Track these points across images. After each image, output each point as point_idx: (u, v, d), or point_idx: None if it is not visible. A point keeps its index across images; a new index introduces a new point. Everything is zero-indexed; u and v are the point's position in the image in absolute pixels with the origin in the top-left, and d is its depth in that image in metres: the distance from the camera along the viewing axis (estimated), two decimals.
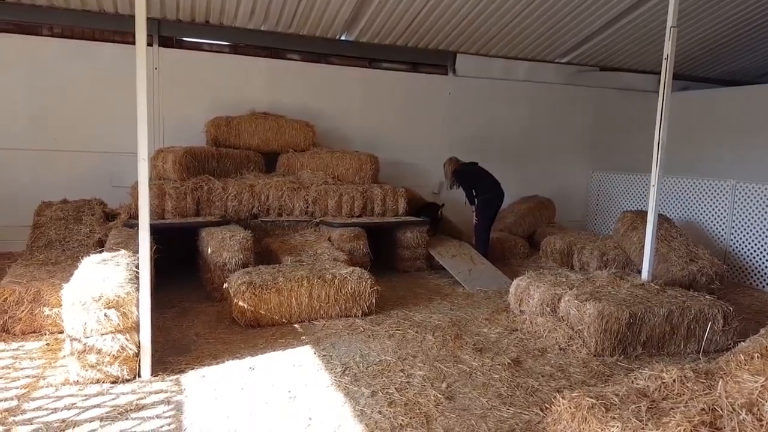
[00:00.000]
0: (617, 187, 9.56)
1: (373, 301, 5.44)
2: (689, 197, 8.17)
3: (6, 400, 3.46)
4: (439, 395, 3.76)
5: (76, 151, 7.38)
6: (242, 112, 7.78)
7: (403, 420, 3.41)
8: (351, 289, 5.34)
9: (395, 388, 3.85)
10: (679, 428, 2.45)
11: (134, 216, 6.08)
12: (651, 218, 5.37)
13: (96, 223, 6.13)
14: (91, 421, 3.25)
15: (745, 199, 7.42)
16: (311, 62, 8.43)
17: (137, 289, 3.80)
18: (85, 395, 3.56)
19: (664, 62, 5.23)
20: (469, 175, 7.69)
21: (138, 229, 3.90)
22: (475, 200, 7.66)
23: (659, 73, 5.44)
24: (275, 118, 7.81)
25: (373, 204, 7.48)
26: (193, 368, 4.05)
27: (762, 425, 2.41)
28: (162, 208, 6.44)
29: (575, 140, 10.29)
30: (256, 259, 5.95)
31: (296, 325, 5.11)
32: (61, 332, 4.23)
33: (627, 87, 10.43)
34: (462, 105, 9.40)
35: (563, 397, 3.07)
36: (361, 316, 5.35)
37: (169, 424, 3.26)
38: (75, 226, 6.06)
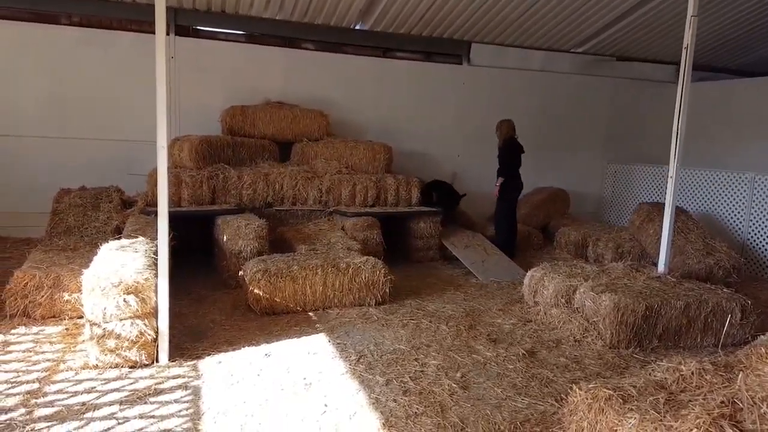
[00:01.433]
0: (632, 179, 9.46)
1: (387, 290, 5.45)
2: (707, 189, 8.07)
3: (28, 383, 3.53)
4: (453, 384, 3.77)
5: (94, 139, 7.45)
6: (257, 101, 7.80)
7: (417, 408, 3.43)
8: (365, 278, 5.35)
9: (410, 377, 3.86)
10: (698, 420, 2.43)
11: (151, 204, 6.14)
12: (668, 210, 5.31)
13: (114, 211, 6.20)
14: (110, 405, 3.31)
15: (764, 192, 7.31)
16: (326, 51, 8.40)
17: (155, 275, 3.84)
18: (105, 379, 3.62)
19: (684, 51, 5.14)
20: (516, 149, 7.51)
21: (156, 216, 3.94)
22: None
23: (676, 64, 5.37)
24: (290, 108, 7.82)
25: (387, 194, 7.48)
26: (209, 354, 4.09)
27: None
28: (178, 196, 6.51)
29: (590, 131, 10.18)
30: (271, 247, 5.98)
31: (310, 313, 5.14)
32: (81, 317, 4.29)
33: (643, 77, 10.28)
34: (476, 95, 9.33)
35: (580, 388, 3.06)
36: (375, 305, 5.37)
37: (187, 409, 3.30)
38: (93, 213, 6.13)
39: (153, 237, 4.45)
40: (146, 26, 7.31)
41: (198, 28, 7.82)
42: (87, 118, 7.45)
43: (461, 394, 3.66)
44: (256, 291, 5.02)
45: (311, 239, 6.40)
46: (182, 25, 7.67)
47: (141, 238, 4.68)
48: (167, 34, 4.12)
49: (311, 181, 7.22)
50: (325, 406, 3.43)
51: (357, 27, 8.40)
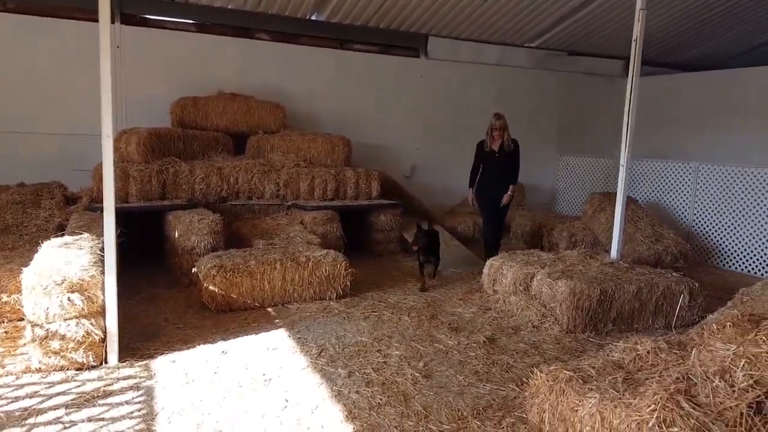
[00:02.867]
0: (584, 171, 9.71)
1: (348, 283, 5.39)
2: (654, 179, 8.36)
3: None
4: (416, 374, 3.75)
5: (33, 132, 7.03)
6: (210, 92, 7.55)
7: (381, 399, 3.39)
8: (325, 271, 5.27)
9: (372, 368, 3.82)
10: (656, 397, 2.48)
11: (96, 199, 5.85)
12: (620, 197, 5.45)
13: (56, 207, 5.89)
14: (55, 409, 3.12)
15: (707, 181, 7.63)
16: (281, 42, 8.23)
17: (102, 273, 3.65)
18: (49, 383, 3.41)
19: (633, 44, 5.28)
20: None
21: (102, 212, 3.74)
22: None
23: (625, 59, 5.51)
24: (244, 99, 7.61)
25: (346, 187, 7.40)
26: (162, 353, 3.93)
27: (734, 391, 2.47)
28: (126, 191, 6.22)
29: (544, 124, 10.38)
30: (226, 243, 5.81)
31: (269, 309, 5.02)
32: (21, 320, 4.04)
33: (594, 72, 10.56)
34: (434, 88, 9.35)
35: (541, 371, 3.09)
36: (336, 298, 5.30)
37: (139, 410, 3.15)
38: (33, 210, 5.80)
39: (99, 234, 4.23)
40: (91, 14, 6.90)
41: (145, 16, 7.51)
42: (26, 111, 7.03)
43: (424, 382, 3.64)
44: (211, 288, 4.86)
45: (269, 234, 6.26)
46: (128, 14, 7.35)
47: (86, 235, 4.45)
48: (112, 22, 3.94)
49: (268, 175, 7.06)
50: (286, 401, 3.35)
51: (313, 17, 8.26)
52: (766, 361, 2.52)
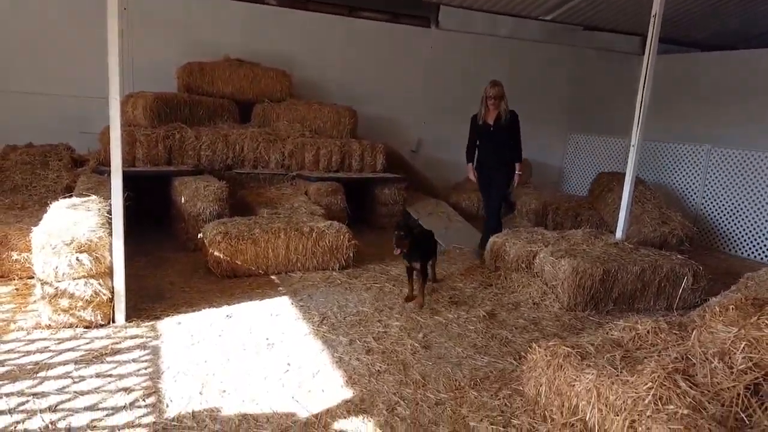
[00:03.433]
0: (593, 150, 9.64)
1: (351, 254, 5.43)
2: (664, 161, 8.30)
3: None
4: (415, 344, 3.81)
5: (40, 93, 7.02)
6: (216, 57, 7.49)
7: (380, 366, 3.45)
8: (329, 242, 5.31)
9: (373, 338, 3.87)
10: (653, 375, 2.52)
11: (104, 162, 5.87)
12: (629, 178, 5.43)
13: (64, 169, 5.91)
14: (65, 364, 3.19)
15: (718, 164, 7.56)
16: (289, 8, 8.12)
17: (110, 235, 3.69)
18: (58, 339, 3.49)
19: (651, 20, 5.18)
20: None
21: (109, 174, 3.76)
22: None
23: (643, 35, 5.40)
24: (250, 66, 7.54)
25: (351, 159, 7.38)
26: (168, 315, 4.00)
27: (732, 372, 2.50)
28: (133, 155, 6.25)
29: (555, 101, 10.26)
30: (231, 211, 5.84)
31: (273, 277, 5.07)
32: (31, 278, 4.11)
33: (609, 48, 10.36)
34: (444, 60, 9.22)
35: (539, 346, 3.13)
36: (339, 269, 5.34)
37: (146, 368, 3.22)
38: (42, 171, 5.83)
39: (106, 196, 4.26)
40: None
41: None
42: (33, 72, 7.00)
43: (423, 353, 3.70)
44: (216, 254, 4.91)
45: (273, 203, 6.28)
46: None
47: (94, 197, 4.48)
48: None
49: (273, 144, 7.05)
50: (288, 365, 3.41)
51: None
52: (767, 344, 2.54)
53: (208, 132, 6.78)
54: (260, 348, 3.61)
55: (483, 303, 4.76)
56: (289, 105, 7.56)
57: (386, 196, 7.31)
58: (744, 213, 7.28)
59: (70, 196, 4.61)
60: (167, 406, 2.87)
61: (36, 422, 2.64)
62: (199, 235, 5.22)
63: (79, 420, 2.69)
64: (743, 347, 2.61)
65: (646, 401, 2.46)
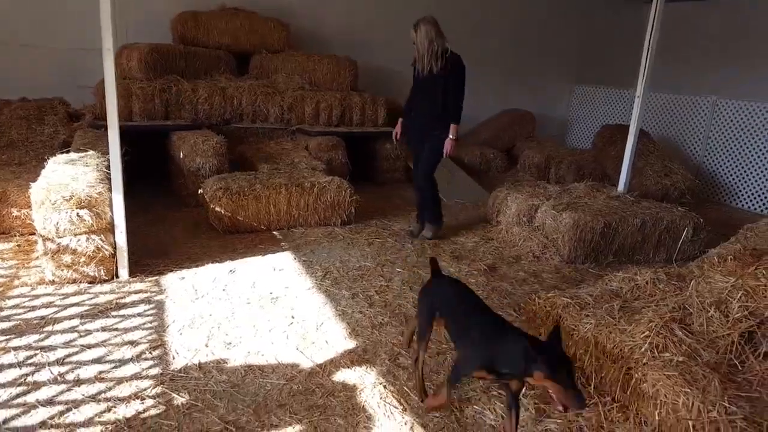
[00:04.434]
0: (598, 102, 9.48)
1: (353, 210, 5.42)
2: (669, 112, 8.17)
3: None
4: (417, 297, 3.84)
5: (33, 46, 6.84)
6: (211, 6, 7.26)
7: (382, 319, 3.50)
8: (330, 197, 5.29)
9: (375, 291, 3.92)
10: (650, 324, 2.56)
11: (100, 116, 5.78)
12: (633, 130, 5.36)
13: (60, 124, 5.84)
14: (70, 319, 3.24)
15: (723, 117, 7.46)
16: None
17: (109, 190, 3.67)
18: (63, 294, 3.53)
19: None
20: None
21: (105, 128, 3.72)
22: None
23: None
24: (247, 15, 7.31)
25: (352, 113, 7.27)
26: (171, 270, 4.03)
27: (728, 321, 2.54)
28: (129, 109, 6.14)
29: (560, 52, 10.01)
30: (231, 166, 5.80)
31: (275, 232, 5.09)
32: (32, 234, 4.12)
33: None
34: (449, 7, 8.91)
35: (539, 297, 3.17)
36: (341, 224, 5.35)
37: (151, 322, 3.27)
38: (38, 127, 5.76)
39: (104, 151, 4.23)
40: None
41: None
42: (24, 23, 6.80)
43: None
44: (217, 209, 4.91)
45: (273, 158, 6.23)
46: None
47: (91, 152, 4.44)
48: None
49: (272, 98, 6.93)
50: (292, 318, 3.46)
51: None
52: (763, 293, 2.57)
53: (205, 85, 6.65)
54: (264, 302, 3.66)
55: (484, 257, 4.78)
56: (287, 56, 7.39)
57: (388, 151, 7.24)
58: (746, 165, 7.23)
59: (68, 152, 4.57)
60: (173, 358, 2.93)
61: (45, 375, 2.70)
62: (200, 191, 5.20)
63: (87, 372, 2.75)
64: (740, 296, 2.65)
65: (643, 349, 2.51)
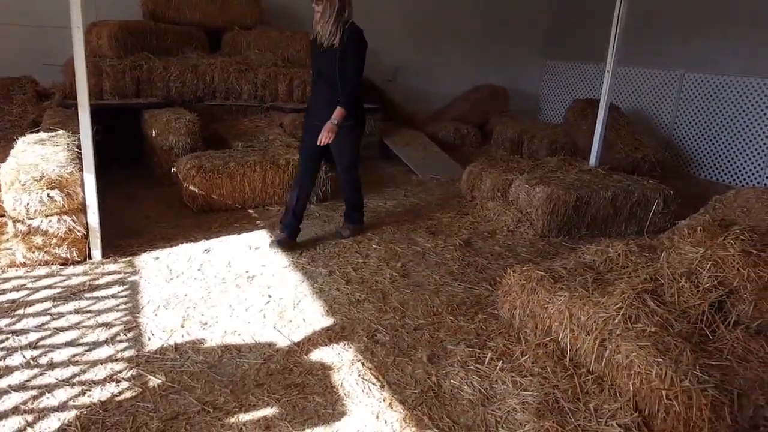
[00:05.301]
0: (570, 77, 9.53)
1: (328, 187, 5.40)
2: (638, 86, 8.27)
3: None
4: (394, 273, 3.88)
5: None
6: None
7: (360, 296, 3.52)
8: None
9: (352, 268, 3.93)
10: (623, 296, 2.63)
11: (69, 95, 5.61)
12: (603, 104, 5.42)
13: (28, 103, 5.66)
14: (43, 301, 3.19)
15: (691, 90, 7.59)
16: None
17: (80, 170, 3.59)
18: (35, 277, 3.46)
19: None
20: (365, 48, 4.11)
21: (75, 107, 3.62)
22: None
23: None
24: None
25: None
26: (146, 250, 3.98)
27: (698, 291, 2.62)
28: (99, 87, 5.99)
29: (532, 27, 10.00)
30: (204, 144, 5.70)
31: (250, 211, 5.05)
32: (2, 215, 4.01)
33: None
34: None
35: (514, 271, 3.22)
36: (317, 202, 5.33)
37: (125, 303, 3.24)
38: (5, 106, 5.57)
39: (74, 130, 4.12)
40: None
41: None
42: None
43: (401, 281, 3.78)
44: (191, 188, 4.84)
45: (248, 136, 6.14)
46: None
47: (61, 132, 4.33)
48: None
49: (245, 74, 6.80)
50: (269, 296, 3.47)
51: None
52: (731, 263, 2.65)
53: (177, 62, 6.50)
54: (240, 281, 3.64)
55: (459, 232, 4.83)
56: (260, 33, 7.24)
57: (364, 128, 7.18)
58: (713, 137, 7.40)
59: (37, 131, 4.43)
60: (149, 339, 2.91)
61: (17, 359, 2.66)
62: (173, 170, 5.12)
63: (60, 355, 2.71)
64: (709, 267, 2.73)
65: (616, 321, 2.58)
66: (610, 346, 2.54)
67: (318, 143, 3.95)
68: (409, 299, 3.52)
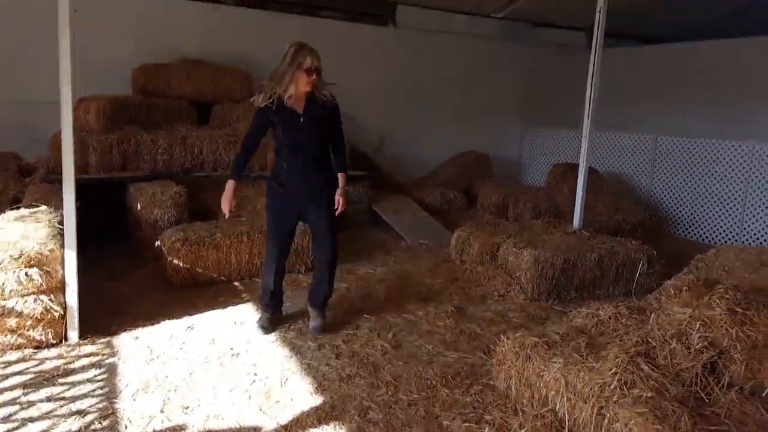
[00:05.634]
0: (548, 143, 9.83)
1: None
2: (615, 150, 8.55)
3: None
4: (385, 344, 3.78)
5: None
6: (171, 59, 7.26)
7: (350, 370, 3.40)
8: (294, 244, 5.19)
9: (342, 340, 3.83)
10: (617, 360, 2.57)
11: (54, 170, 5.60)
12: (582, 168, 5.55)
13: (10, 179, 5.61)
14: (12, 389, 3.00)
15: (665, 153, 7.85)
16: (247, 7, 7.97)
17: (62, 247, 3.51)
18: (4, 362, 3.28)
19: (597, 15, 5.31)
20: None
21: (60, 183, 3.60)
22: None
23: (590, 30, 5.52)
24: (208, 66, 7.33)
25: None
26: (125, 330, 3.83)
27: (690, 352, 2.58)
28: (85, 162, 5.97)
29: (510, 96, 10.41)
30: (191, 216, 5.68)
31: (236, 283, 4.95)
32: None
33: (559, 43, 10.59)
34: (403, 58, 9.21)
35: (507, 338, 3.16)
36: (305, 271, 5.26)
37: (102, 387, 3.08)
38: None
39: (57, 206, 4.08)
40: None
41: None
42: None
43: (394, 353, 3.67)
44: (175, 262, 4.76)
45: (236, 206, 6.13)
46: None
47: (44, 207, 4.27)
48: None
49: (234, 145, 6.86)
50: (255, 375, 3.33)
51: None
52: (719, 323, 2.63)
53: (165, 135, 6.56)
54: (224, 359, 3.51)
55: (451, 298, 4.77)
56: (249, 105, 7.33)
57: (351, 195, 7.24)
58: (691, 197, 7.59)
59: (18, 208, 4.38)
60: (126, 427, 2.74)
61: None
62: (157, 243, 5.05)
63: None
64: (698, 327, 2.71)
65: (612, 386, 2.51)
66: (608, 414, 2.46)
67: (338, 213, 3.90)
68: (402, 372, 3.41)
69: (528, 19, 9.99)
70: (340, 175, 3.90)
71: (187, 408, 2.94)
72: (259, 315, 4.11)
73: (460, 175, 9.13)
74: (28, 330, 3.41)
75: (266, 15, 8.09)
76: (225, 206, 3.82)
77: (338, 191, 3.87)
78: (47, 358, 3.37)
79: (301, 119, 3.72)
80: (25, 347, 3.44)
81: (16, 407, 2.86)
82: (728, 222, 7.21)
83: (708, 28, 10.42)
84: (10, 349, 3.41)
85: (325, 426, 2.82)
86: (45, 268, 3.41)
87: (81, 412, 2.84)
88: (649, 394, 2.43)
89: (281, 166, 3.79)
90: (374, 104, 9.03)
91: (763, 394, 2.53)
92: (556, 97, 10.68)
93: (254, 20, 7.98)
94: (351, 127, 8.64)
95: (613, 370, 2.57)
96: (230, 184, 3.83)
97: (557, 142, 9.61)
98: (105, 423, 2.77)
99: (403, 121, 9.19)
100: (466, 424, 2.76)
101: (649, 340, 2.76)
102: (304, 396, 3.11)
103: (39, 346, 3.47)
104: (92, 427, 2.73)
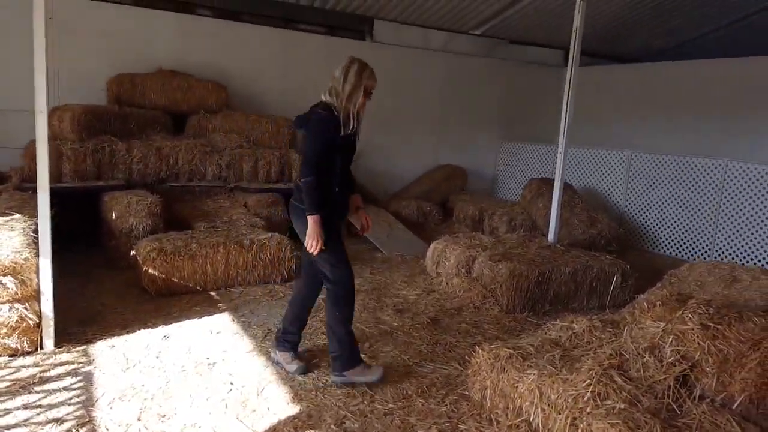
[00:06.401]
0: (524, 157, 10.02)
1: (293, 267, 5.35)
2: (590, 166, 8.75)
3: None
4: (362, 355, 3.79)
5: None
6: (147, 69, 7.23)
7: (326, 380, 3.42)
8: (270, 254, 5.22)
9: (318, 351, 3.84)
10: (591, 372, 2.65)
11: (27, 179, 5.53)
12: (558, 183, 5.68)
13: None
14: None
15: (638, 169, 8.07)
16: (224, 19, 7.97)
17: (36, 255, 3.47)
18: None
19: (573, 34, 5.48)
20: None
21: (34, 191, 3.56)
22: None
23: (566, 48, 5.69)
24: (184, 77, 7.31)
25: (291, 170, 7.31)
26: (101, 338, 3.80)
27: (663, 365, 2.67)
28: (59, 170, 5.92)
29: (486, 111, 10.59)
30: (166, 226, 5.63)
31: (212, 293, 4.93)
32: None
33: (536, 61, 10.84)
34: (380, 72, 9.23)
35: (482, 349, 3.22)
36: (281, 282, 5.27)
37: (78, 396, 3.05)
38: None
39: (31, 214, 4.03)
40: None
41: None
42: None
43: (370, 363, 3.69)
44: (150, 271, 4.72)
45: (211, 216, 6.12)
46: None
47: (17, 216, 4.21)
48: None
49: (209, 156, 6.87)
50: (231, 384, 3.33)
51: None
52: (692, 336, 2.73)
53: (140, 145, 6.52)
54: (201, 368, 3.50)
55: (426, 309, 4.82)
56: (225, 116, 7.39)
57: None
58: (664, 213, 7.79)
59: None
60: None
61: None
62: (132, 253, 5.00)
63: None
64: (671, 341, 2.80)
65: (586, 398, 2.58)
66: (581, 425, 2.53)
67: (364, 233, 3.76)
68: (378, 382, 3.44)
69: (505, 36, 10.21)
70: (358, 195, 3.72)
71: (164, 416, 2.93)
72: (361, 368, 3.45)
73: (436, 188, 9.24)
74: (3, 338, 3.36)
75: (243, 27, 8.12)
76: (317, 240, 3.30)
77: (361, 210, 3.71)
78: (23, 366, 3.32)
79: (354, 138, 3.51)
80: (0, 355, 3.38)
81: None
82: (701, 238, 7.43)
83: (675, 51, 10.87)
84: None
85: None
86: (20, 276, 3.36)
87: (58, 420, 2.81)
88: (622, 406, 2.50)
89: (331, 191, 3.36)
90: None
91: (734, 406, 2.61)
92: (533, 113, 10.92)
93: (231, 32, 8.00)
94: None
95: (586, 382, 2.64)
96: (316, 219, 3.28)
97: (533, 157, 9.81)
98: (82, 431, 2.75)
99: (380, 134, 9.27)
100: None
101: (623, 353, 2.85)
102: (280, 405, 3.12)
103: (14, 354, 3.42)
104: None
